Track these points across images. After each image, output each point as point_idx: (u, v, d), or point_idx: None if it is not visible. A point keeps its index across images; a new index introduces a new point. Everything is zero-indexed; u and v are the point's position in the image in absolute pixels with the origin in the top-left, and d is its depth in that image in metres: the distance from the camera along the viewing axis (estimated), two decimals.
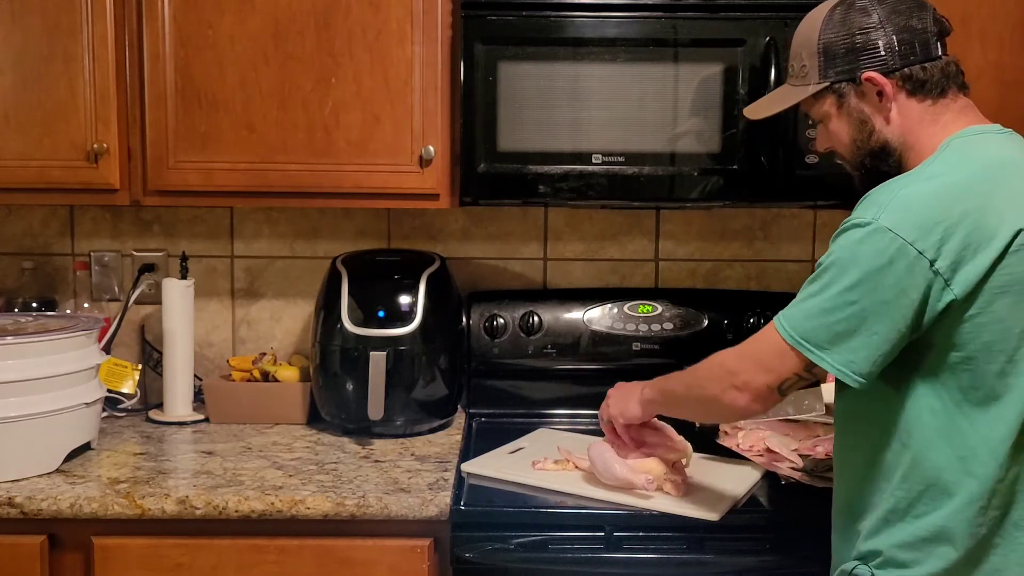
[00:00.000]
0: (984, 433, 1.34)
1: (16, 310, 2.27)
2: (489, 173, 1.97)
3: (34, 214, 2.38)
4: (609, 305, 2.28)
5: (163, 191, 2.03)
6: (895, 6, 1.44)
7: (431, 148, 1.98)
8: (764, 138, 1.94)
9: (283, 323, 2.41)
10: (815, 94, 1.49)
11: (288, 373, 2.22)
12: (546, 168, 1.96)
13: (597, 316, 2.27)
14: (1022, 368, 1.34)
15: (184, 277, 2.23)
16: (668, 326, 2.26)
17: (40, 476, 1.80)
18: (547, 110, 1.95)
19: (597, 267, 2.41)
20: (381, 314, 2.06)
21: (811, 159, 1.94)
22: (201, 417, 2.20)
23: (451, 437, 2.11)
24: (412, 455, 1.97)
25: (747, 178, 1.97)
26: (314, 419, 2.18)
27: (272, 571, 1.72)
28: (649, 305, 2.28)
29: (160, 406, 2.24)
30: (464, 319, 2.25)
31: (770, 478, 1.84)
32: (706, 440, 1.97)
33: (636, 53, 1.94)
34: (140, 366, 2.29)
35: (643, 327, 2.26)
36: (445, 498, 1.72)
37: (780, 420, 2.02)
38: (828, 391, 1.84)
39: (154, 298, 2.33)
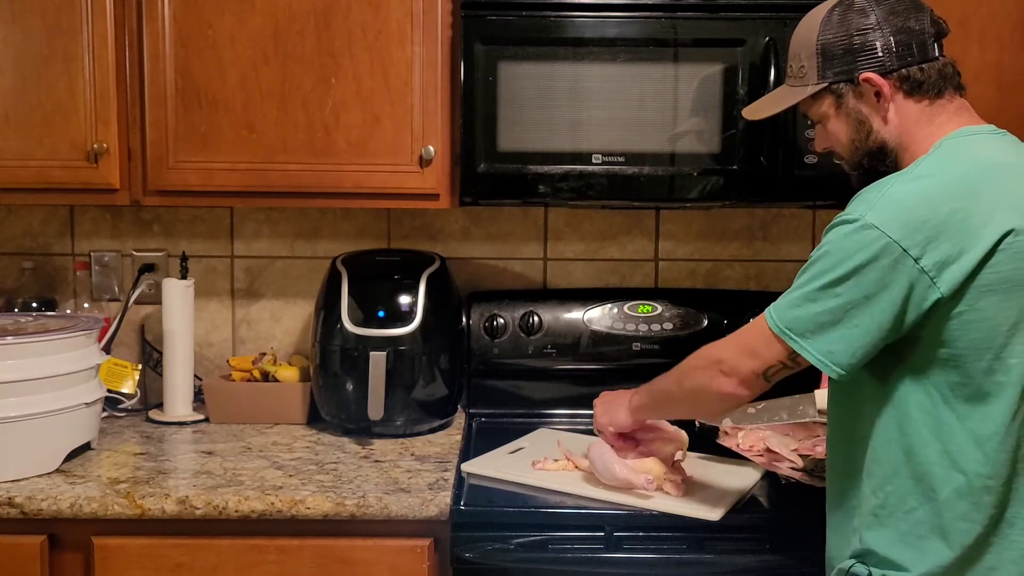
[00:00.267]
0: (972, 429, 1.35)
1: (16, 310, 2.27)
2: (489, 173, 1.97)
3: (34, 214, 2.38)
4: (609, 305, 2.28)
5: (163, 191, 2.03)
6: (893, 7, 1.45)
7: (431, 148, 1.98)
8: (764, 138, 1.94)
9: (283, 323, 2.41)
10: (813, 95, 1.51)
11: (288, 373, 2.22)
12: (546, 168, 1.96)
13: (597, 316, 2.27)
14: (1010, 365, 1.35)
15: (184, 277, 2.23)
16: (668, 326, 2.26)
17: (40, 476, 1.80)
18: (547, 110, 1.95)
19: (597, 267, 2.41)
20: (381, 314, 2.06)
21: (810, 159, 1.94)
22: (201, 417, 2.20)
23: (451, 437, 2.11)
24: (412, 455, 1.97)
25: (747, 178, 1.97)
26: (314, 419, 2.18)
27: (272, 571, 1.72)
28: (649, 305, 2.28)
29: (160, 406, 2.24)
30: (464, 319, 2.25)
31: (770, 478, 1.84)
32: (706, 440, 1.97)
33: (636, 53, 1.94)
34: (140, 366, 2.29)
35: (643, 327, 2.26)
36: (445, 498, 1.72)
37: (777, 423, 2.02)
38: (821, 397, 1.85)
39: (154, 298, 2.33)
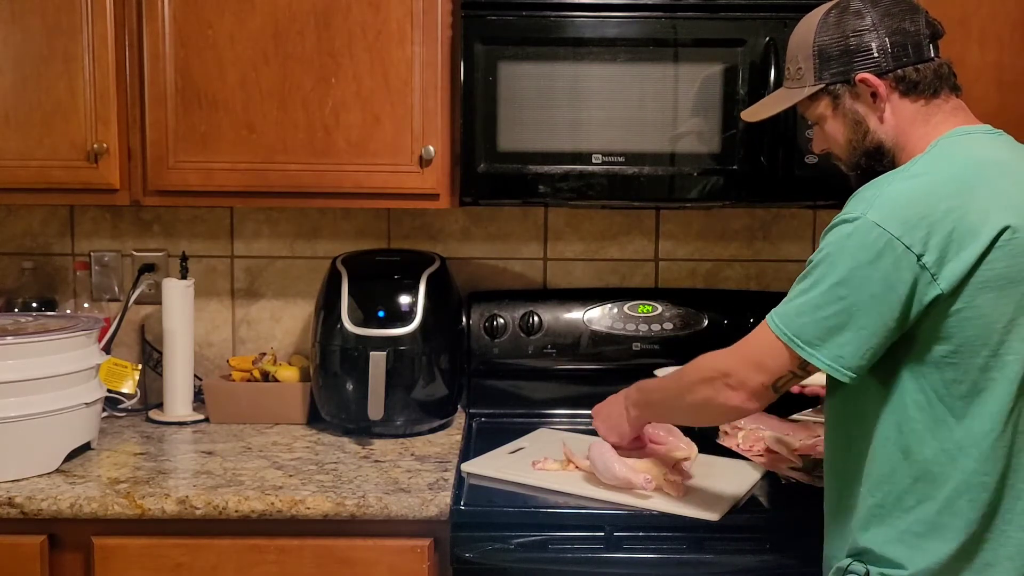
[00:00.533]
0: (968, 426, 1.35)
1: (16, 310, 2.27)
2: (489, 173, 1.97)
3: (34, 214, 2.38)
4: (609, 305, 2.28)
5: (163, 191, 2.03)
6: (888, 9, 1.46)
7: (431, 148, 1.98)
8: (764, 138, 1.94)
9: (283, 323, 2.41)
10: (811, 96, 1.52)
11: (288, 373, 2.22)
12: (546, 168, 1.96)
13: (597, 316, 2.27)
14: (1005, 362, 1.35)
15: (184, 277, 2.23)
16: (668, 326, 2.26)
17: (40, 476, 1.80)
18: (547, 110, 1.95)
19: (597, 267, 2.41)
20: (381, 314, 2.06)
21: (810, 159, 1.94)
22: (201, 417, 2.20)
23: (451, 437, 2.11)
24: (412, 455, 1.97)
25: (747, 178, 1.97)
26: (314, 419, 2.18)
27: (272, 571, 1.72)
28: (649, 305, 2.28)
29: (160, 406, 2.24)
30: (464, 319, 2.25)
31: (770, 478, 1.84)
32: (706, 440, 1.97)
33: (636, 53, 1.94)
34: (140, 366, 2.29)
35: (643, 327, 2.26)
36: (445, 498, 1.72)
37: (777, 420, 2.02)
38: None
39: (154, 298, 2.33)
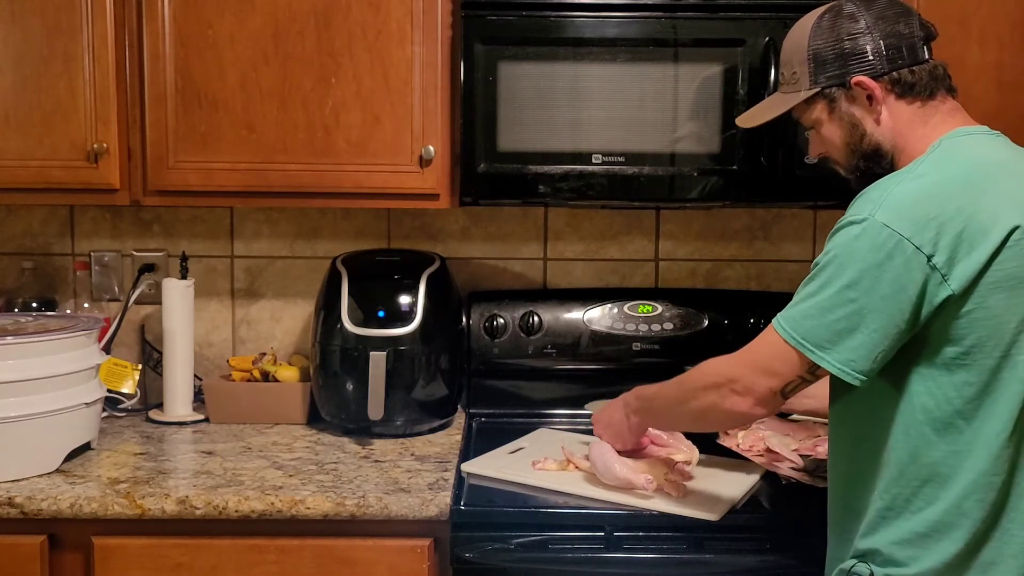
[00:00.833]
0: (978, 428, 1.35)
1: (16, 310, 2.27)
2: (489, 173, 1.97)
3: (34, 214, 2.38)
4: (609, 305, 2.28)
5: (163, 191, 2.03)
6: (882, 12, 1.47)
7: (431, 148, 1.98)
8: (764, 138, 1.94)
9: (283, 323, 2.41)
10: (806, 100, 1.52)
11: (288, 373, 2.22)
12: (546, 168, 1.96)
13: (597, 316, 2.27)
14: (1016, 362, 1.35)
15: (184, 277, 2.23)
16: (668, 326, 2.26)
17: (40, 476, 1.80)
18: (547, 110, 1.95)
19: (597, 267, 2.41)
20: (381, 314, 2.06)
21: (811, 159, 1.93)
22: (201, 417, 2.20)
23: (451, 437, 2.11)
24: (412, 455, 1.97)
25: (747, 178, 1.97)
26: (314, 419, 2.18)
27: (272, 571, 1.72)
28: (649, 305, 2.28)
29: (160, 406, 2.24)
30: (464, 319, 2.25)
31: (770, 478, 1.84)
32: (706, 440, 1.97)
33: (636, 53, 1.94)
34: (140, 366, 2.29)
35: (643, 327, 2.26)
36: (445, 498, 1.72)
37: (777, 420, 2.02)
38: None
39: (154, 298, 2.33)
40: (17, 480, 1.77)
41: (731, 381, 1.46)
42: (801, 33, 1.52)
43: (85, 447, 1.94)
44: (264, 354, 2.27)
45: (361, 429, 2.09)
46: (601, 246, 2.40)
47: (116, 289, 2.38)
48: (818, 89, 1.50)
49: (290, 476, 1.82)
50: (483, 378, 2.28)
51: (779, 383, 1.42)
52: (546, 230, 2.40)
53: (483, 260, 2.40)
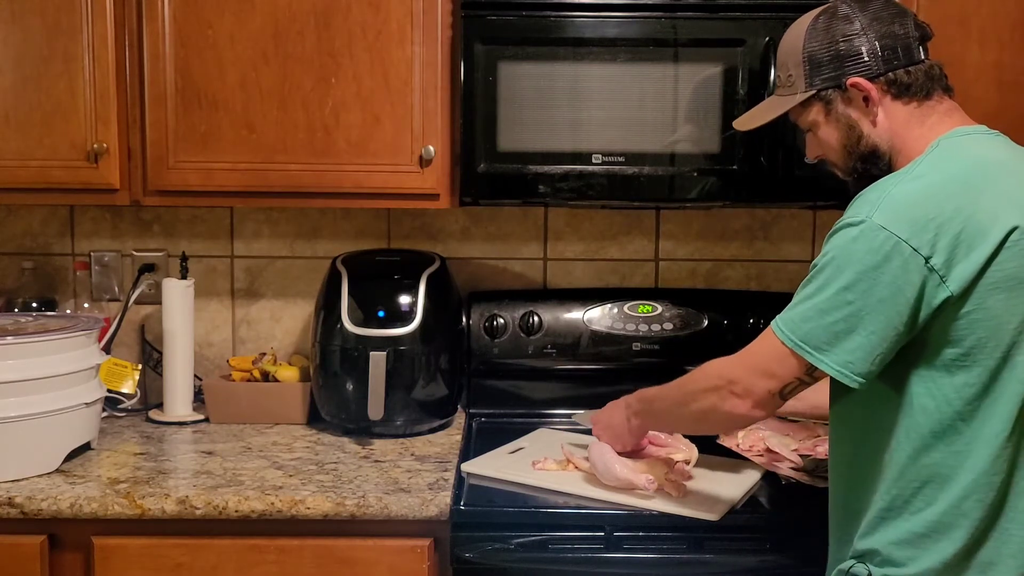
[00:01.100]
0: (977, 428, 1.35)
1: (16, 310, 2.27)
2: (489, 173, 1.97)
3: (34, 214, 2.38)
4: (609, 305, 2.28)
5: (163, 191, 2.03)
6: (876, 13, 1.47)
7: (431, 148, 1.98)
8: (764, 138, 1.93)
9: (283, 323, 2.41)
10: (803, 103, 1.52)
11: (288, 373, 2.22)
12: (546, 168, 1.96)
13: (597, 316, 2.27)
14: (1016, 363, 1.34)
15: (184, 277, 2.23)
16: (668, 326, 2.26)
17: (40, 476, 1.80)
18: (547, 110, 1.95)
19: (597, 267, 2.41)
20: (381, 314, 2.06)
21: (809, 160, 1.93)
22: (201, 417, 2.20)
23: (451, 437, 2.11)
24: (412, 455, 1.97)
25: (747, 178, 1.97)
26: (314, 419, 2.18)
27: (272, 571, 1.72)
28: (649, 305, 2.28)
29: (160, 406, 2.24)
30: (464, 319, 2.25)
31: (770, 478, 1.84)
32: (706, 440, 1.97)
33: (636, 53, 1.94)
34: (140, 366, 2.29)
35: (643, 327, 2.26)
36: (445, 498, 1.72)
37: (777, 420, 2.02)
38: None
39: (154, 298, 2.33)
40: (17, 480, 1.77)
41: (730, 383, 1.46)
42: (796, 35, 1.52)
43: (85, 447, 1.94)
44: (264, 354, 2.27)
45: (361, 429, 2.09)
46: (601, 246, 2.40)
47: (116, 289, 2.38)
48: (814, 91, 1.50)
49: (290, 476, 1.82)
50: (483, 378, 2.28)
51: (777, 385, 1.42)
52: (546, 230, 2.40)
53: (483, 260, 2.40)
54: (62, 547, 1.73)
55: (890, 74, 1.45)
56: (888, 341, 1.34)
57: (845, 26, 1.47)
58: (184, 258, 2.25)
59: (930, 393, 1.36)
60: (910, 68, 1.46)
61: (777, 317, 1.42)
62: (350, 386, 2.05)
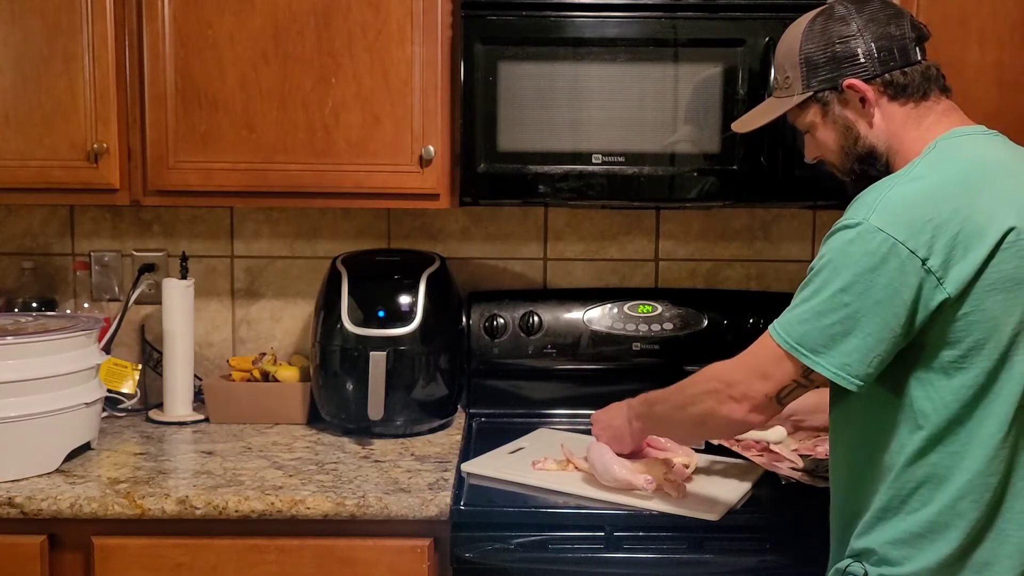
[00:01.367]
0: (974, 429, 1.35)
1: (16, 310, 2.27)
2: (489, 173, 1.97)
3: (34, 214, 2.38)
4: (609, 305, 2.28)
5: (163, 191, 2.03)
6: (873, 15, 1.47)
7: (431, 148, 1.98)
8: (764, 138, 1.93)
9: (283, 323, 2.41)
10: (800, 104, 1.53)
11: (288, 373, 2.22)
12: (546, 168, 1.96)
13: (597, 316, 2.27)
14: (1013, 363, 1.35)
15: (184, 277, 2.23)
16: (668, 326, 2.26)
17: (40, 476, 1.80)
18: (547, 110, 1.95)
19: (597, 267, 2.41)
20: (381, 314, 2.06)
21: (809, 161, 1.94)
22: (201, 417, 2.20)
23: (451, 437, 2.11)
24: (412, 455, 1.97)
25: (747, 178, 1.97)
26: (314, 419, 2.18)
27: (272, 571, 1.72)
28: (649, 305, 2.28)
29: (160, 406, 2.24)
30: (464, 319, 2.25)
31: (770, 478, 1.84)
32: (706, 440, 1.97)
33: (636, 53, 1.94)
34: (140, 366, 2.29)
35: (643, 327, 2.26)
36: (445, 498, 1.72)
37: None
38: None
39: (154, 298, 2.33)
40: (17, 480, 1.77)
41: (728, 386, 1.46)
42: (793, 37, 1.52)
43: (85, 447, 1.94)
44: (264, 354, 2.27)
45: (361, 429, 2.09)
46: (601, 246, 2.40)
47: (116, 289, 2.38)
48: (811, 93, 1.50)
49: (290, 476, 1.82)
50: (483, 378, 2.28)
51: (774, 388, 1.42)
52: (546, 230, 2.40)
53: (483, 260, 2.40)
54: (62, 547, 1.73)
55: (886, 75, 1.46)
56: (885, 343, 1.34)
57: (841, 28, 1.47)
58: (184, 258, 2.25)
59: (928, 396, 1.36)
60: (906, 69, 1.46)
61: (775, 320, 1.42)
62: (350, 386, 2.05)
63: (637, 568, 1.67)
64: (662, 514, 1.67)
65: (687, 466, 1.80)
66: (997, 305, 1.33)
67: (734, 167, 1.96)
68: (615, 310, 2.27)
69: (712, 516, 1.66)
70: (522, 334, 2.25)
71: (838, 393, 1.46)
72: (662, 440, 1.82)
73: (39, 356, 1.81)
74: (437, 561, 1.73)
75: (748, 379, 1.44)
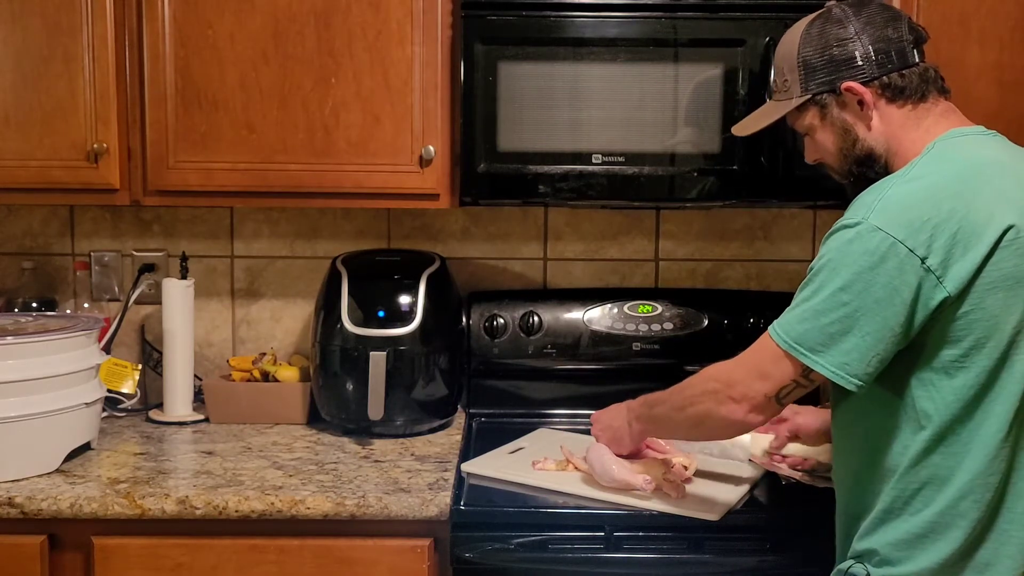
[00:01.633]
0: (975, 429, 1.35)
1: (16, 310, 2.27)
2: (489, 173, 1.97)
3: (34, 214, 2.38)
4: (609, 305, 2.28)
5: (163, 191, 2.03)
6: (870, 18, 1.48)
7: (431, 148, 1.98)
8: (764, 139, 1.93)
9: (283, 323, 2.41)
10: (799, 107, 1.53)
11: (288, 373, 2.22)
12: (546, 168, 1.96)
13: (597, 316, 2.27)
14: (1013, 362, 1.35)
15: (184, 277, 2.23)
16: (668, 326, 2.26)
17: (40, 476, 1.80)
18: (547, 110, 1.95)
19: (597, 267, 2.41)
20: (381, 314, 2.06)
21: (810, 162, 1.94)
22: (201, 417, 2.20)
23: (451, 437, 2.11)
24: (412, 455, 1.97)
25: (747, 178, 1.97)
26: (314, 419, 2.18)
27: (272, 571, 1.72)
28: (649, 305, 2.28)
29: (160, 406, 2.24)
30: (464, 319, 2.25)
31: (770, 478, 1.84)
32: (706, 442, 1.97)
33: (636, 53, 1.94)
34: (140, 366, 2.29)
35: (643, 327, 2.26)
36: (445, 498, 1.72)
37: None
38: (755, 441, 1.85)
39: (154, 298, 2.33)
40: (17, 480, 1.77)
41: (728, 386, 1.46)
42: (791, 41, 1.53)
43: (85, 447, 1.94)
44: (264, 354, 2.27)
45: (361, 429, 2.09)
46: (601, 246, 2.40)
47: (116, 289, 2.38)
48: (809, 96, 1.51)
49: (290, 476, 1.82)
50: (483, 378, 2.28)
51: (773, 387, 1.42)
52: (546, 230, 2.40)
53: (483, 260, 2.40)
54: (62, 547, 1.73)
55: (884, 78, 1.46)
56: (884, 342, 1.34)
57: (839, 31, 1.48)
58: (184, 258, 2.25)
59: (929, 396, 1.36)
60: (904, 71, 1.46)
61: (775, 321, 1.42)
62: (350, 386, 2.05)
63: (637, 568, 1.67)
64: (662, 514, 1.67)
65: (686, 467, 1.80)
66: (997, 303, 1.33)
67: (734, 167, 1.96)
68: (615, 310, 2.27)
69: (712, 516, 1.66)
70: (522, 334, 2.25)
71: (840, 395, 1.46)
72: (662, 443, 1.82)
73: (39, 356, 1.81)
74: (437, 561, 1.73)
75: (747, 379, 1.44)
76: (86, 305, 2.38)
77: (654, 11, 1.93)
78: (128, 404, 2.24)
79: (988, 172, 1.38)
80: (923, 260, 1.32)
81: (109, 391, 2.09)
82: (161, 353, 2.27)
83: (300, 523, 1.71)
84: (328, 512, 1.70)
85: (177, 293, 2.20)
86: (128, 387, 2.23)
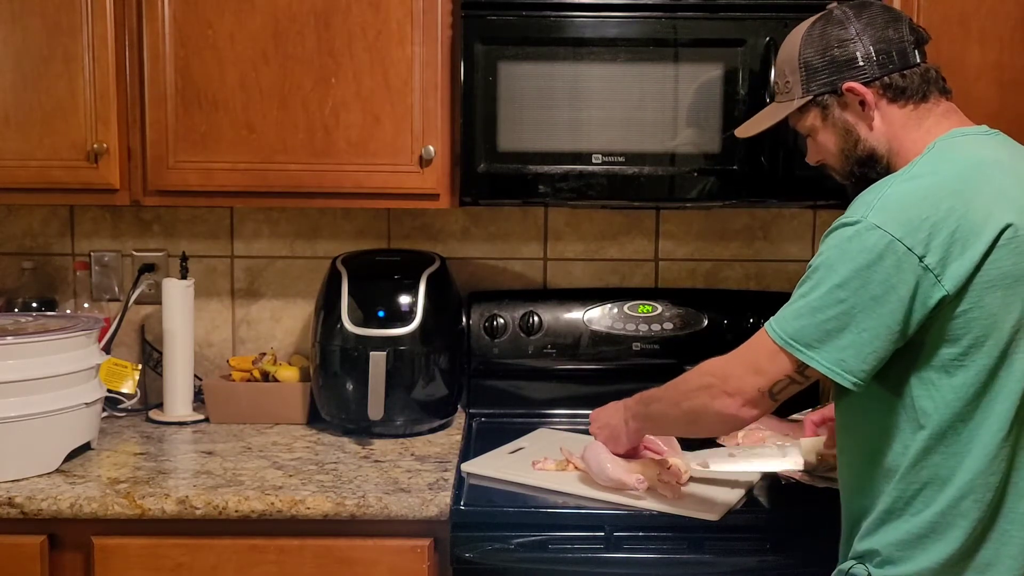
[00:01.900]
0: (975, 428, 1.35)
1: (16, 310, 2.27)
2: (489, 173, 1.97)
3: (34, 214, 2.38)
4: (609, 305, 2.28)
5: (163, 191, 2.03)
6: (871, 20, 1.48)
7: (431, 148, 1.98)
8: (764, 139, 1.93)
9: (283, 323, 2.41)
10: (800, 108, 1.54)
11: (288, 373, 2.22)
12: (546, 168, 1.96)
13: (597, 316, 2.27)
14: (1013, 361, 1.35)
15: (184, 277, 2.23)
16: (668, 326, 2.26)
17: (40, 476, 1.80)
18: (547, 110, 1.95)
19: (597, 267, 2.41)
20: (381, 314, 2.06)
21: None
22: (201, 417, 2.20)
23: (451, 437, 2.11)
24: (412, 455, 1.97)
25: (747, 178, 1.97)
26: (314, 419, 2.18)
27: (272, 571, 1.72)
28: (649, 305, 2.28)
29: (160, 406, 2.24)
30: (464, 319, 2.25)
31: (770, 478, 1.84)
32: (706, 440, 1.97)
33: (636, 53, 1.94)
34: (140, 366, 2.29)
35: (643, 327, 2.26)
36: (445, 498, 1.72)
37: (777, 420, 2.01)
38: (808, 445, 1.79)
39: (154, 298, 2.33)
40: (17, 480, 1.77)
41: (722, 380, 1.46)
42: (793, 42, 1.53)
43: (85, 447, 1.94)
44: (264, 354, 2.27)
45: (361, 429, 2.09)
46: (601, 246, 2.40)
47: (116, 289, 2.38)
48: (810, 97, 1.51)
49: (290, 476, 1.82)
50: (483, 378, 2.28)
51: (767, 383, 1.42)
52: (546, 230, 2.40)
53: (483, 260, 2.40)
54: (62, 547, 1.73)
55: (885, 78, 1.46)
56: (881, 340, 1.34)
57: (840, 32, 1.48)
58: (184, 258, 2.25)
59: (929, 395, 1.36)
60: (905, 72, 1.46)
61: (772, 317, 1.43)
62: (350, 386, 2.05)
63: (637, 568, 1.67)
64: (662, 514, 1.67)
65: (684, 470, 1.79)
66: (996, 302, 1.34)
67: (734, 167, 1.96)
68: (615, 310, 2.27)
69: (712, 516, 1.66)
70: (522, 334, 2.25)
71: (841, 395, 1.46)
72: (659, 444, 1.81)
73: (39, 356, 1.81)
74: (437, 561, 1.73)
75: (742, 373, 1.44)
76: (86, 305, 2.38)
77: (654, 11, 1.93)
78: (128, 404, 2.24)
79: (988, 171, 1.39)
80: (921, 258, 1.32)
81: (109, 391, 2.09)
82: (161, 353, 2.27)
83: (300, 523, 1.71)
84: (328, 512, 1.70)
85: (177, 293, 2.20)
86: (128, 387, 2.23)
